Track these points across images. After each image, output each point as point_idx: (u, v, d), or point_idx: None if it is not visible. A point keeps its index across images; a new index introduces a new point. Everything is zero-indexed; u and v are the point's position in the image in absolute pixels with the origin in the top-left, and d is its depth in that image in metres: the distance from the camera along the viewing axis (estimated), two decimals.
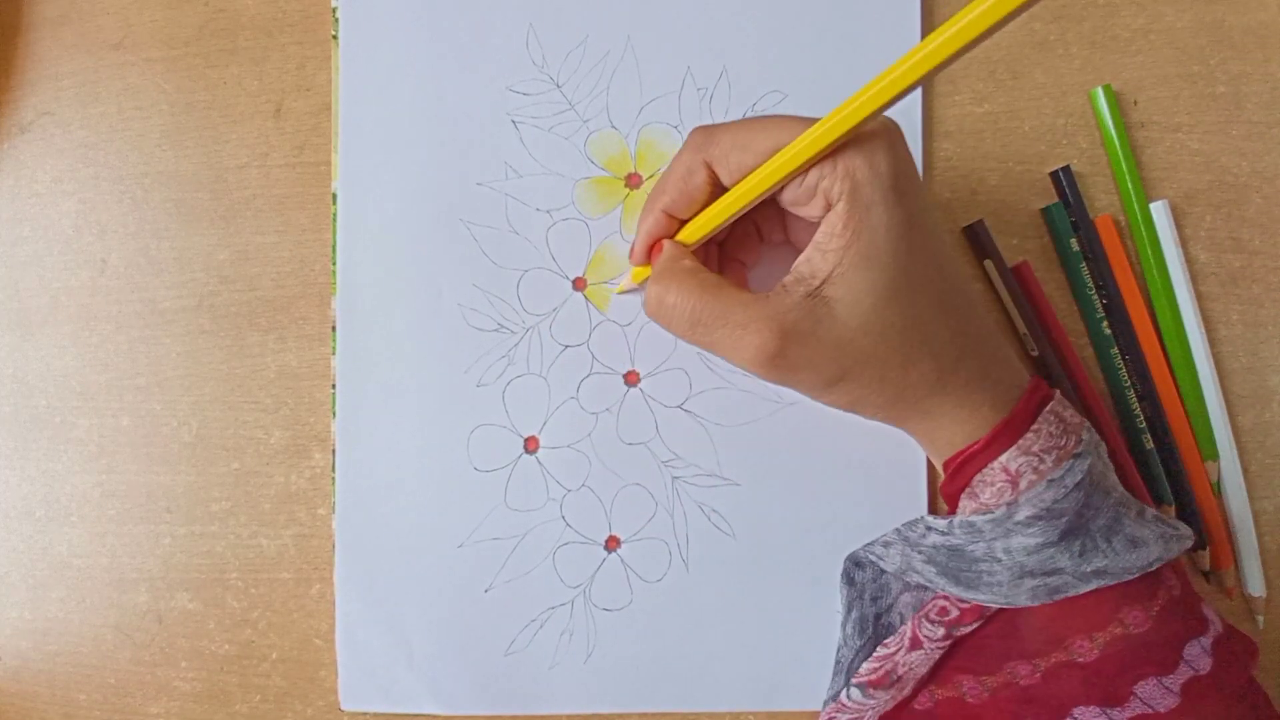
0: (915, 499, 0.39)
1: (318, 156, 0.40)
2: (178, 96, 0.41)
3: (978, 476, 0.31)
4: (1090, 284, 0.39)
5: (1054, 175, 0.39)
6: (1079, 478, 0.30)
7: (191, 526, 0.40)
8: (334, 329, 0.39)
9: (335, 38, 0.40)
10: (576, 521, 0.39)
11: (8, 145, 0.42)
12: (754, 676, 0.38)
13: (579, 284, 0.39)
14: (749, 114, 0.39)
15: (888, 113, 0.28)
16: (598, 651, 0.38)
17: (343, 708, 0.39)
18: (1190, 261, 0.39)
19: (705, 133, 0.32)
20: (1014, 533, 0.30)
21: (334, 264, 0.40)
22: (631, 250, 0.36)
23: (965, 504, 0.32)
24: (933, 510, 0.39)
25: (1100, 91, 0.39)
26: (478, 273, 0.39)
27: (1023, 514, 0.30)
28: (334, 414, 0.39)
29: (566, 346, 0.39)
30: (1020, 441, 0.30)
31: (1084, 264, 0.39)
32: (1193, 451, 0.38)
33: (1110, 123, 0.39)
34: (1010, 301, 0.38)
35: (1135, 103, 0.40)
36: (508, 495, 0.39)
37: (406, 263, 0.39)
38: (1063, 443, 0.31)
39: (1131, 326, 0.38)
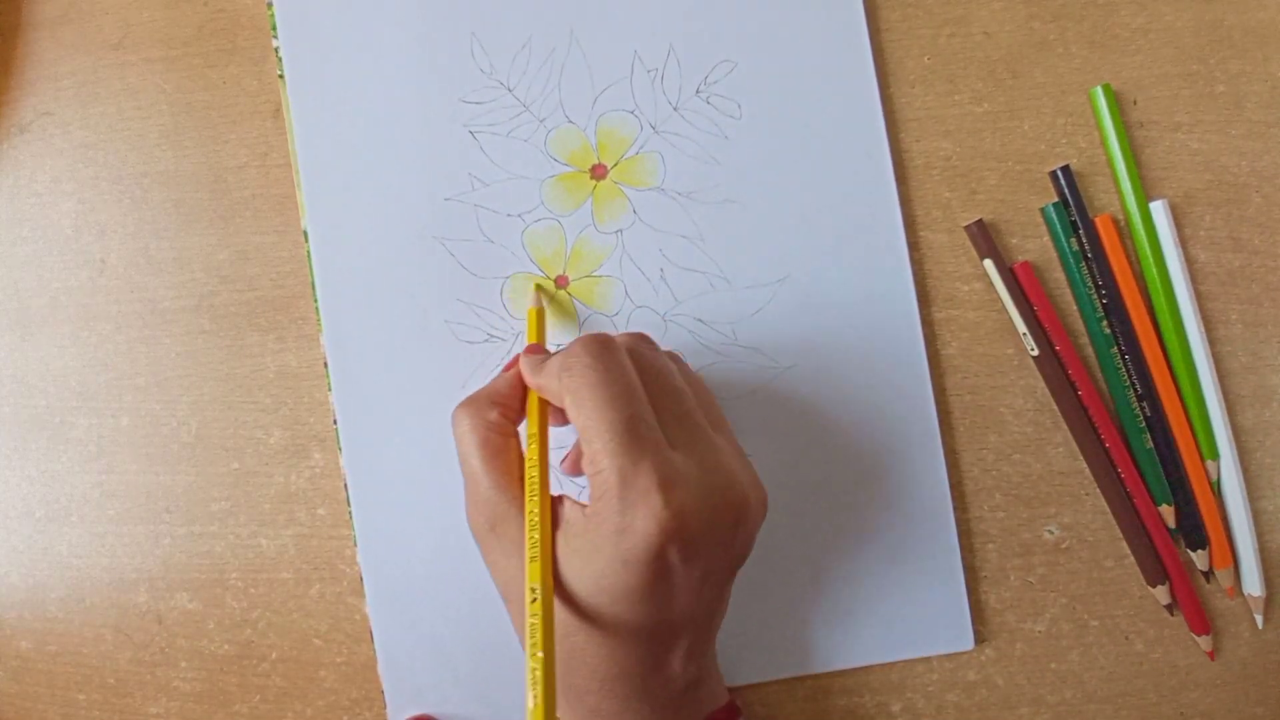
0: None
1: None
2: (177, 96, 0.41)
3: None
4: (1090, 283, 0.39)
5: (1053, 175, 0.39)
6: None
7: (191, 526, 0.40)
8: (326, 365, 0.39)
9: (281, 77, 0.40)
10: None
11: (7, 145, 0.42)
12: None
13: (561, 282, 0.39)
14: (702, 88, 0.39)
15: None
16: None
17: None
18: (1190, 261, 0.39)
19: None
20: None
21: (315, 302, 0.39)
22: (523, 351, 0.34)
23: None
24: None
25: (1100, 91, 0.39)
26: (459, 287, 0.39)
27: None
28: (339, 448, 0.39)
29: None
30: None
31: (1083, 263, 0.39)
32: (1192, 451, 0.38)
33: (1110, 122, 0.39)
34: (1009, 301, 0.38)
35: (1135, 102, 0.40)
36: None
37: (387, 289, 0.39)
38: None
39: (1131, 326, 0.38)
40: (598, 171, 0.40)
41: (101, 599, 0.40)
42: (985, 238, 0.39)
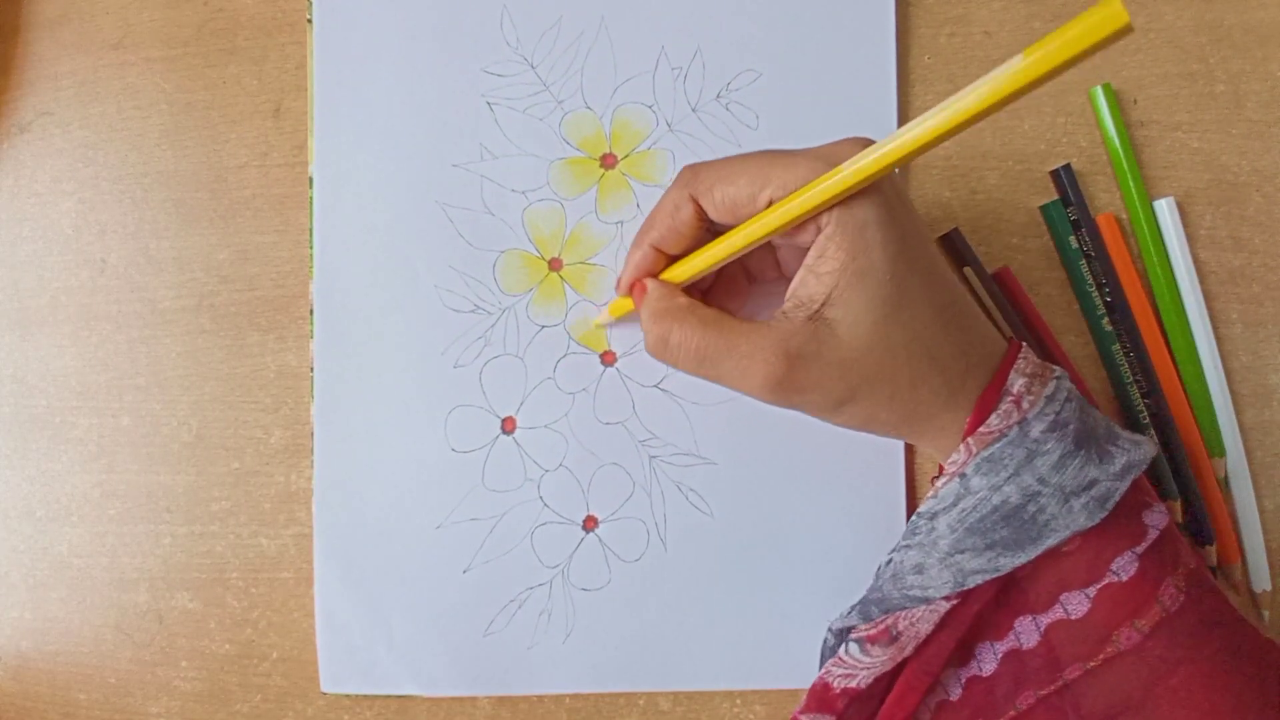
0: (893, 475, 0.39)
1: None
2: (177, 96, 0.41)
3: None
4: (1091, 281, 0.39)
5: (1054, 174, 0.39)
6: (1066, 391, 0.31)
7: (192, 526, 0.40)
8: (311, 312, 0.39)
9: (310, 21, 0.40)
10: (554, 502, 0.39)
11: (7, 145, 0.42)
12: (732, 655, 0.38)
13: (555, 264, 0.40)
14: (723, 93, 0.39)
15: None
16: (576, 631, 0.38)
17: (323, 690, 0.39)
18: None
19: (692, 170, 0.32)
20: (1035, 454, 0.30)
21: (311, 248, 0.40)
22: (618, 281, 0.37)
23: (970, 444, 0.31)
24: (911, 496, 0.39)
25: (1100, 90, 0.39)
26: (454, 254, 0.39)
27: (1036, 429, 0.31)
28: (312, 396, 0.39)
29: (543, 327, 0.39)
30: (1017, 364, 0.31)
31: (1084, 261, 0.39)
32: (1198, 448, 0.38)
33: (1110, 121, 0.39)
34: (994, 307, 0.38)
35: (1135, 101, 0.40)
36: (485, 476, 0.39)
37: (383, 245, 0.39)
38: (1042, 371, 0.32)
39: (1135, 323, 0.38)
40: (607, 161, 0.40)
41: (102, 598, 0.40)
42: (962, 245, 0.38)
